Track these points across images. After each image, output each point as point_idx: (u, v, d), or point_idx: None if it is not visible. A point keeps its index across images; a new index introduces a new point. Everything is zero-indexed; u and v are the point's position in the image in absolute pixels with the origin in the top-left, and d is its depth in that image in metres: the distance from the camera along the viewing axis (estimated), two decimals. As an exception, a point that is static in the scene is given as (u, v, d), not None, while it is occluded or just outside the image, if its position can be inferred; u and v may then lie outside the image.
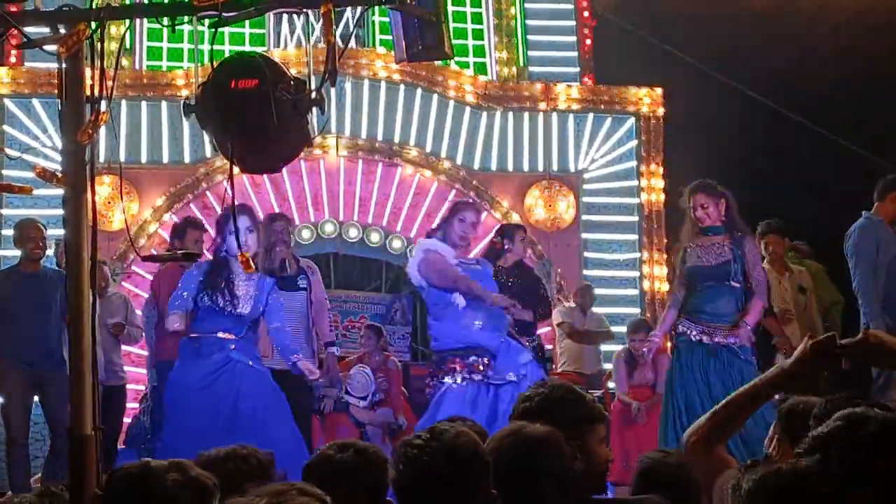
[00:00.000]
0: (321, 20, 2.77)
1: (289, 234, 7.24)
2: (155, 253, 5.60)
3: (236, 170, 3.24)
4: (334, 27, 2.79)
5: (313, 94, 2.93)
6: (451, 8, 11.21)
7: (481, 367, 6.16)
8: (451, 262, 6.28)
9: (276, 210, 10.07)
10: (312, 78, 3.05)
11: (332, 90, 10.00)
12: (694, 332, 6.49)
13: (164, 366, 7.21)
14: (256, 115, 2.92)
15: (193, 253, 5.48)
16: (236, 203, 6.21)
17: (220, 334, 6.10)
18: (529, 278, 7.47)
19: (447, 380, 6.20)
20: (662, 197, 11.02)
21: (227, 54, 3.47)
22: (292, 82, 2.98)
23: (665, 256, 10.92)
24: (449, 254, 6.32)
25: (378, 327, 9.39)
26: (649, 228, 11.02)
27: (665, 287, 10.92)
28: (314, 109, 3.01)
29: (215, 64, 3.05)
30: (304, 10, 3.08)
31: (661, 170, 11.04)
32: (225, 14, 2.86)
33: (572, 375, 9.54)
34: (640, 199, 11.02)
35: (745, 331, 6.44)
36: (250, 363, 6.16)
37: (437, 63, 10.35)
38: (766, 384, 2.75)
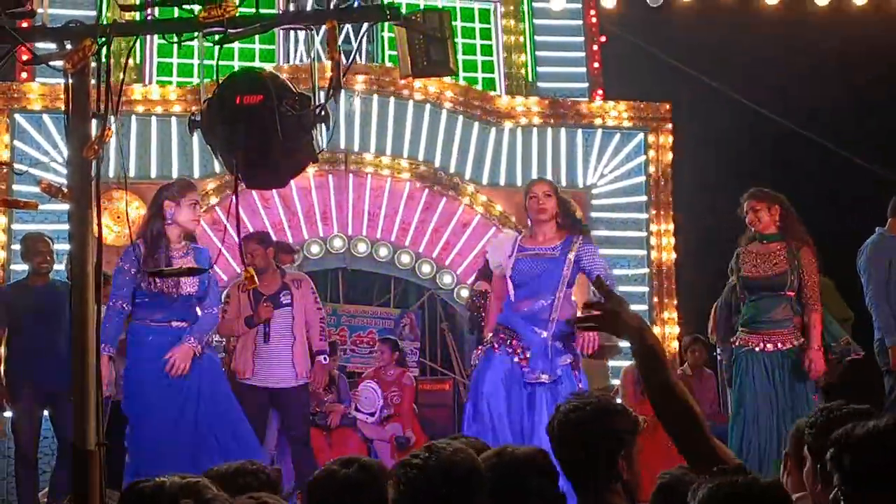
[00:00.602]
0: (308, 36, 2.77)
1: (265, 254, 7.16)
2: (161, 267, 5.48)
3: (243, 185, 3.25)
4: (344, 43, 2.80)
5: (319, 111, 2.94)
6: (459, 24, 11.26)
7: (517, 350, 6.09)
8: (499, 259, 6.29)
9: (285, 225, 10.13)
10: (318, 94, 3.06)
11: (342, 105, 10.08)
12: (754, 342, 6.50)
13: None
14: (261, 131, 2.93)
15: (197, 268, 5.42)
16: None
17: (174, 323, 5.84)
18: None
19: (494, 344, 6.17)
20: (671, 212, 11.00)
21: (216, 70, 3.46)
22: (297, 98, 2.99)
23: (674, 272, 10.90)
24: (503, 247, 6.33)
25: (393, 341, 9.40)
26: (658, 243, 11.00)
27: (675, 302, 10.90)
28: (320, 125, 3.02)
29: (221, 79, 3.06)
30: (310, 26, 3.09)
31: (670, 185, 11.02)
32: (230, 30, 2.87)
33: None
34: (648, 215, 11.00)
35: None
36: (207, 352, 5.97)
37: (446, 79, 10.38)
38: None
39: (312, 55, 10.12)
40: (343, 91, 8.39)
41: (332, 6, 2.93)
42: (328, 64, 7.32)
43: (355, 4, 3.33)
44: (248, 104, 2.96)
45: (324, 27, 2.85)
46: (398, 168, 10.58)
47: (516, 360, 6.10)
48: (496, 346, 6.15)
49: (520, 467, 2.74)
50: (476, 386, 6.13)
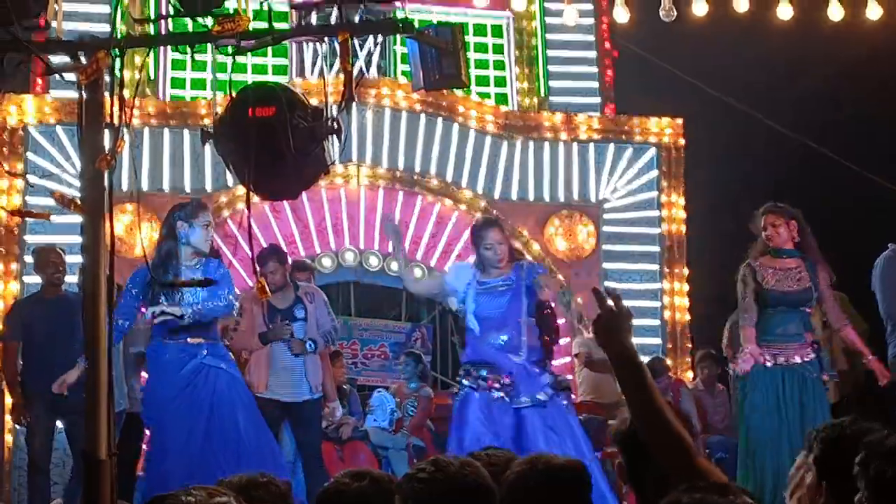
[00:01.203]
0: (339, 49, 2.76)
1: (284, 271, 7.20)
2: (173, 280, 5.50)
3: (256, 197, 3.25)
4: (356, 57, 2.80)
5: (331, 123, 2.94)
6: (472, 39, 11.28)
7: (497, 385, 6.10)
8: (457, 286, 6.36)
9: (297, 238, 10.14)
10: (331, 106, 3.07)
11: (354, 119, 10.10)
12: (766, 357, 6.42)
13: None
14: (274, 143, 2.94)
15: (210, 280, 5.44)
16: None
17: (190, 340, 5.90)
18: (537, 307, 7.32)
19: (467, 387, 6.16)
20: (683, 228, 10.99)
21: (229, 84, 3.48)
22: (310, 110, 3.00)
23: (686, 288, 10.88)
24: (462, 276, 6.40)
25: (417, 354, 9.44)
26: (671, 259, 10.98)
27: (686, 317, 10.88)
28: (332, 137, 3.03)
29: (233, 93, 3.07)
30: (322, 39, 3.10)
31: (682, 200, 11.01)
32: (243, 43, 2.88)
33: (591, 405, 9.52)
34: (661, 230, 10.98)
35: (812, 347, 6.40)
36: (223, 367, 6.00)
37: (459, 93, 10.39)
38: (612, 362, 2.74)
39: (322, 65, 10.15)
40: (357, 104, 8.46)
41: (345, 19, 2.94)
42: (339, 78, 7.28)
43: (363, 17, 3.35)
44: (260, 116, 2.96)
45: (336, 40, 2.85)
46: (410, 182, 10.57)
47: (496, 394, 6.09)
48: (471, 386, 6.15)
49: (555, 477, 2.73)
50: (458, 433, 6.10)
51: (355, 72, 4.77)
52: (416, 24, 3.21)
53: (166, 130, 10.12)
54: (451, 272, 6.60)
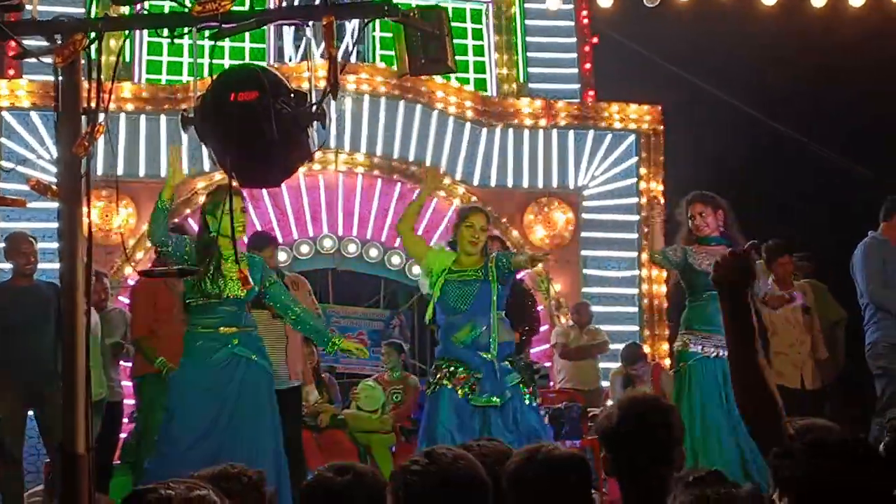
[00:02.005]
0: (321, 34, 2.68)
1: (275, 256, 7.13)
2: (152, 268, 5.41)
3: (235, 183, 3.19)
4: (340, 41, 2.73)
5: (314, 108, 2.87)
6: (451, 24, 11.19)
7: (463, 379, 6.00)
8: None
9: (275, 224, 10.06)
10: (314, 91, 2.99)
11: (332, 105, 9.99)
12: (707, 348, 6.35)
13: (140, 381, 7.16)
14: (256, 129, 2.86)
15: (190, 269, 5.34)
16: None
17: (222, 329, 5.84)
18: (517, 294, 7.26)
19: (440, 382, 6.06)
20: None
21: (211, 68, 3.37)
22: (293, 95, 2.93)
23: (665, 275, 10.87)
24: (442, 258, 6.23)
25: (398, 344, 9.37)
26: (649, 245, 10.96)
27: (665, 304, 10.88)
28: (314, 123, 2.95)
29: (214, 76, 3.00)
30: (306, 22, 3.02)
31: (661, 187, 11.00)
32: (225, 25, 2.81)
33: (571, 392, 9.52)
34: (639, 217, 10.97)
35: None
36: (253, 357, 5.92)
37: (438, 79, 10.33)
38: (725, 313, 2.74)
39: (306, 49, 10.04)
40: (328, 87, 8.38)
41: (329, 2, 2.87)
42: (321, 62, 7.19)
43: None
44: (242, 101, 2.89)
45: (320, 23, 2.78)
46: (389, 168, 10.52)
47: (465, 390, 5.99)
48: (444, 382, 6.04)
49: (558, 466, 2.70)
50: (429, 430, 5.99)
51: (341, 56, 4.72)
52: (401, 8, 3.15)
53: (142, 116, 10.01)
54: (435, 251, 6.41)
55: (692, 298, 6.47)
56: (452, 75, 10.75)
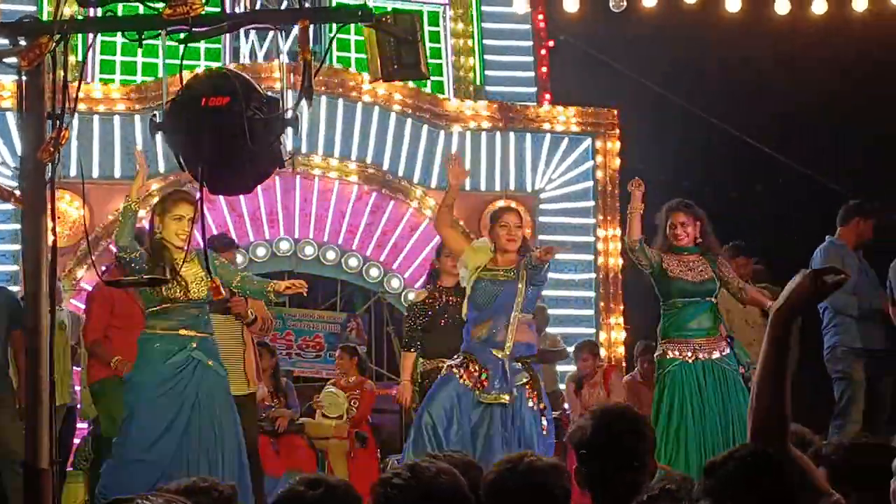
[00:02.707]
0: (276, 35, 2.62)
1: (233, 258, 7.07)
2: (119, 278, 5.28)
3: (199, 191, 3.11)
4: (310, 44, 2.67)
5: (288, 115, 2.81)
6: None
7: (474, 374, 6.05)
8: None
9: (231, 228, 9.94)
10: (286, 94, 2.93)
11: (286, 94, 9.87)
12: (686, 352, 6.36)
13: (97, 386, 7.01)
14: (228, 135, 2.79)
15: (159, 278, 5.25)
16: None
17: (182, 332, 5.76)
18: None
19: (455, 369, 6.14)
20: (618, 219, 11.00)
21: (180, 69, 3.27)
22: (265, 100, 2.86)
23: (620, 277, 10.90)
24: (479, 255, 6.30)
25: (352, 348, 9.31)
26: (606, 249, 11.00)
27: (621, 306, 10.90)
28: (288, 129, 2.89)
29: (185, 79, 2.92)
30: (279, 27, 2.96)
31: (617, 191, 11.03)
32: (195, 29, 2.74)
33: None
34: (596, 220, 10.99)
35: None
36: (210, 363, 5.84)
37: (396, 81, 10.26)
38: (772, 340, 2.66)
39: (270, 48, 9.95)
40: (290, 91, 8.30)
41: (303, 6, 2.80)
42: (276, 64, 7.14)
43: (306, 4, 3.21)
44: (213, 106, 2.81)
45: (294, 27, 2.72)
46: (346, 171, 10.46)
47: (470, 384, 6.05)
48: (456, 370, 6.12)
49: (540, 477, 2.67)
50: (426, 408, 6.10)
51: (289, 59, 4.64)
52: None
53: (95, 117, 9.85)
54: (474, 247, 6.47)
55: (666, 307, 6.50)
56: (428, 79, 10.71)
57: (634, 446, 2.92)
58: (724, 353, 6.30)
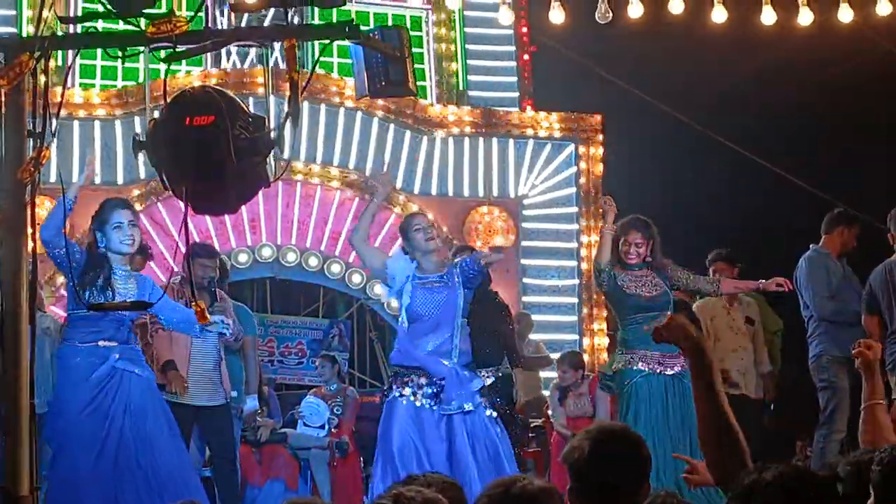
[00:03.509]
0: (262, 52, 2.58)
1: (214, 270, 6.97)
2: (101, 302, 5.13)
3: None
4: (297, 59, 2.62)
5: (274, 134, 2.76)
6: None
7: (428, 391, 5.88)
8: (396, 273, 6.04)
9: (213, 235, 9.87)
10: (271, 101, 2.89)
11: (271, 111, 9.83)
12: (651, 364, 6.34)
13: None
14: (213, 155, 2.74)
15: (143, 302, 5.15)
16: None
17: (101, 343, 5.51)
18: (496, 316, 7.14)
19: (396, 391, 5.91)
20: (601, 224, 10.99)
21: (161, 71, 3.20)
22: (251, 119, 2.81)
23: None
24: (401, 265, 6.07)
25: (332, 356, 9.24)
26: (589, 255, 10.98)
27: (604, 313, 10.88)
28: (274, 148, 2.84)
29: (170, 96, 2.86)
30: (265, 44, 2.91)
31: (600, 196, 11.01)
32: (179, 46, 2.69)
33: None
34: (579, 226, 10.98)
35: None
36: (137, 372, 5.61)
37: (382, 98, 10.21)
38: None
39: (268, 78, 9.87)
40: (273, 97, 8.23)
41: (291, 23, 2.76)
42: (259, 69, 7.05)
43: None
44: (198, 125, 2.76)
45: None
46: (329, 176, 10.40)
47: (424, 399, 5.87)
48: (397, 392, 5.92)
49: (533, 501, 2.63)
50: (385, 444, 5.84)
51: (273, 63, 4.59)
52: (335, 18, 3.04)
53: (75, 122, 9.76)
54: (395, 257, 6.27)
55: (625, 321, 6.49)
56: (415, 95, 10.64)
57: (630, 467, 2.89)
58: (683, 367, 6.27)
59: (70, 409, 5.46)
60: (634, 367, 6.34)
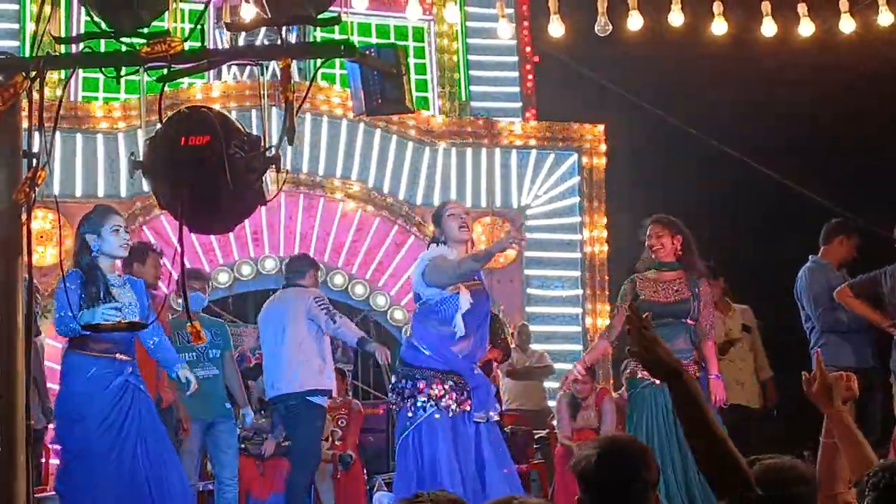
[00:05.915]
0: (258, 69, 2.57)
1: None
2: (98, 323, 5.08)
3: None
4: (291, 80, 2.62)
5: (270, 153, 2.76)
6: (393, 42, 11.12)
7: (459, 397, 5.68)
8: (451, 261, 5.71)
9: (215, 247, 9.88)
10: (271, 112, 2.89)
11: (274, 122, 9.84)
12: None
13: None
14: (208, 174, 2.74)
15: (138, 323, 5.12)
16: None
17: (119, 356, 5.45)
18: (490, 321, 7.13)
19: (421, 403, 5.64)
20: (605, 234, 11.00)
21: (162, 88, 3.16)
22: (246, 138, 2.81)
23: (607, 293, 10.87)
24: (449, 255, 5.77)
25: (340, 370, 9.20)
26: (592, 265, 10.98)
27: (608, 322, 10.87)
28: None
29: (171, 109, 2.86)
30: (259, 63, 2.91)
31: (603, 206, 11.02)
32: (175, 66, 2.69)
33: (516, 415, 9.44)
34: (582, 236, 10.97)
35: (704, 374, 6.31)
36: (142, 388, 5.59)
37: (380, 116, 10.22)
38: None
39: (264, 97, 9.88)
40: (275, 108, 8.24)
41: (285, 42, 2.76)
42: (262, 80, 7.02)
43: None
44: (193, 145, 2.76)
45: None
46: (331, 188, 10.41)
47: (455, 406, 5.66)
48: (431, 405, 5.67)
49: None
50: (433, 465, 5.60)
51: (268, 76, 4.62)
52: (337, 33, 3.04)
53: (78, 135, 9.77)
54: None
55: None
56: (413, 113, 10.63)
57: (638, 478, 2.89)
58: (696, 378, 6.21)
59: (89, 418, 5.40)
60: (638, 377, 6.30)
